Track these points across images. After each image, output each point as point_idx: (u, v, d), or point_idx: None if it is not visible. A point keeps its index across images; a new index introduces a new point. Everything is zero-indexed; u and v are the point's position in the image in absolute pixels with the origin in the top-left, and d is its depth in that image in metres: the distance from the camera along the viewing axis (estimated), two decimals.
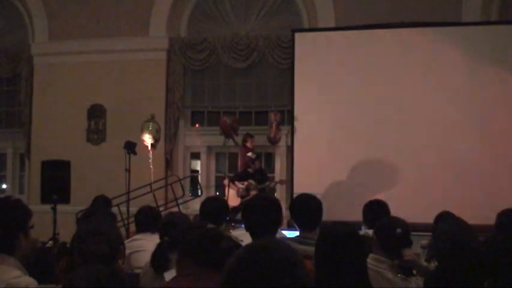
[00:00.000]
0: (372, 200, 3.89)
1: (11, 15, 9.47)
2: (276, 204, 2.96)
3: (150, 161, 8.01)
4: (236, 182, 7.70)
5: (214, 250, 2.38)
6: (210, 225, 2.96)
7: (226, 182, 7.87)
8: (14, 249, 2.26)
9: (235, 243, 2.45)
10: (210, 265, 2.36)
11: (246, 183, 7.65)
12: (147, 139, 8.02)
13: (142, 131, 8.06)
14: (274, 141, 8.17)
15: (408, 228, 2.72)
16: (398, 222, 2.71)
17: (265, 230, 2.74)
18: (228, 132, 8.19)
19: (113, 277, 1.38)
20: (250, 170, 7.71)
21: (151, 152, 8.08)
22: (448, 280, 2.33)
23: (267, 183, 7.72)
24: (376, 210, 3.61)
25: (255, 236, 2.78)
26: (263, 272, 1.18)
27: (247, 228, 2.86)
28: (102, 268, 1.44)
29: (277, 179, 8.33)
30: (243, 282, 1.19)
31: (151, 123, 8.14)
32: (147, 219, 3.84)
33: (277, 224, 2.87)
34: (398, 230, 2.59)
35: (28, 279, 2.21)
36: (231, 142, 8.30)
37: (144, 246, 3.53)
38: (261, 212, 2.80)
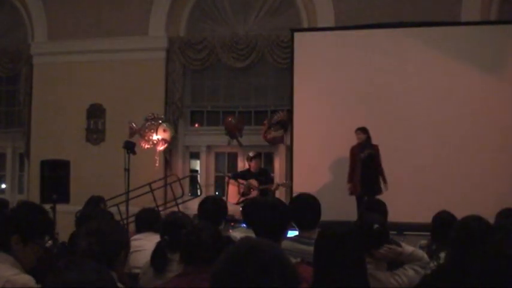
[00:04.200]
0: (370, 199, 3.89)
1: (10, 14, 9.47)
2: (284, 206, 2.93)
3: (158, 159, 8.03)
4: (238, 179, 7.71)
5: (197, 247, 2.37)
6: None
7: (228, 177, 7.89)
8: (8, 248, 2.28)
9: (224, 241, 2.44)
10: (197, 263, 2.35)
11: (245, 182, 7.66)
12: (168, 137, 7.97)
13: (158, 130, 7.95)
14: (269, 142, 8.16)
15: (386, 225, 2.70)
16: (375, 218, 2.68)
17: (272, 232, 2.69)
18: (233, 133, 8.19)
19: (99, 274, 1.34)
20: (251, 169, 7.71)
21: (158, 152, 8.07)
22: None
23: (269, 185, 7.69)
24: (374, 210, 3.60)
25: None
26: (251, 272, 1.19)
27: (254, 230, 2.83)
28: (88, 264, 1.40)
29: (276, 178, 8.34)
30: (231, 281, 1.19)
31: (165, 123, 8.09)
32: (147, 220, 3.85)
33: (284, 228, 2.83)
34: (376, 226, 2.56)
35: (26, 277, 2.23)
36: (235, 142, 8.31)
37: (143, 245, 3.52)
38: (267, 215, 2.77)
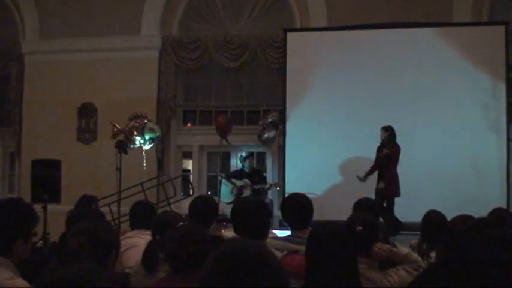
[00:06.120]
0: (362, 198, 3.90)
1: (1, 12, 9.40)
2: (264, 207, 2.94)
3: (144, 158, 7.97)
4: (232, 179, 7.71)
5: (183, 259, 2.36)
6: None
7: (221, 176, 7.89)
8: (9, 252, 2.25)
9: (210, 242, 2.43)
10: (184, 269, 2.34)
11: (238, 182, 7.66)
12: (154, 136, 7.83)
13: (144, 130, 7.82)
14: (263, 142, 8.16)
15: (374, 226, 2.67)
16: (361, 219, 2.64)
17: (254, 234, 2.72)
18: (224, 132, 8.17)
19: (94, 272, 1.34)
20: (245, 169, 7.72)
21: (144, 151, 8.01)
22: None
23: (262, 185, 7.70)
24: (365, 209, 3.61)
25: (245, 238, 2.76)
26: (239, 274, 1.21)
27: (236, 231, 2.85)
28: (84, 263, 1.40)
29: (269, 178, 8.35)
30: (220, 283, 1.21)
31: (151, 122, 7.99)
32: (142, 214, 3.78)
33: (265, 228, 2.84)
34: (358, 228, 2.56)
35: (21, 282, 2.20)
36: (224, 141, 8.30)
37: (136, 243, 3.48)
38: (250, 216, 2.78)
